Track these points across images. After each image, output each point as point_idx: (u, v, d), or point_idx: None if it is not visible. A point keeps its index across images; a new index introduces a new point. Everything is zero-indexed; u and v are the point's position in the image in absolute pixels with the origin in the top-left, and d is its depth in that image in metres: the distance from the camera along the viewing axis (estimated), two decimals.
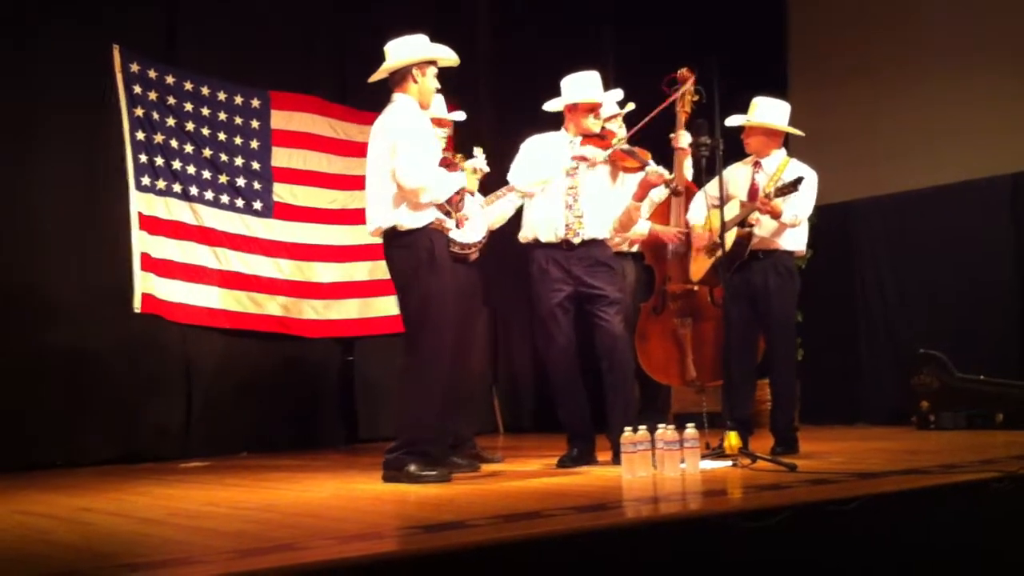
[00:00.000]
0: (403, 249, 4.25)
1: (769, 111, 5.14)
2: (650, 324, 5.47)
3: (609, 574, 2.77)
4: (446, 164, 4.46)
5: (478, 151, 4.61)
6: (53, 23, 5.86)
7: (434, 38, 4.46)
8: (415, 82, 4.32)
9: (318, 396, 6.77)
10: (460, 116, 5.34)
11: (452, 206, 4.34)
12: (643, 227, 5.28)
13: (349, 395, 6.86)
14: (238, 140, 6.52)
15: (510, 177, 4.90)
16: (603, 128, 4.90)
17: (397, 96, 4.36)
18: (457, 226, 4.50)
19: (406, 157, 4.17)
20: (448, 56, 4.42)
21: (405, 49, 4.33)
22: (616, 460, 4.36)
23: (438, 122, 4.94)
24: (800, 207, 5.03)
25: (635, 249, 5.43)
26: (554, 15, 7.54)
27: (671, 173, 4.96)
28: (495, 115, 7.29)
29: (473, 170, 4.50)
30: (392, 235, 4.27)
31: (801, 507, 3.20)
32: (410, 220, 4.22)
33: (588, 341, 4.79)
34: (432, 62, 4.37)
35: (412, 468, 4.16)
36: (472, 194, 4.52)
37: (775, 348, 5.14)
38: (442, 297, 4.25)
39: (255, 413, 6.43)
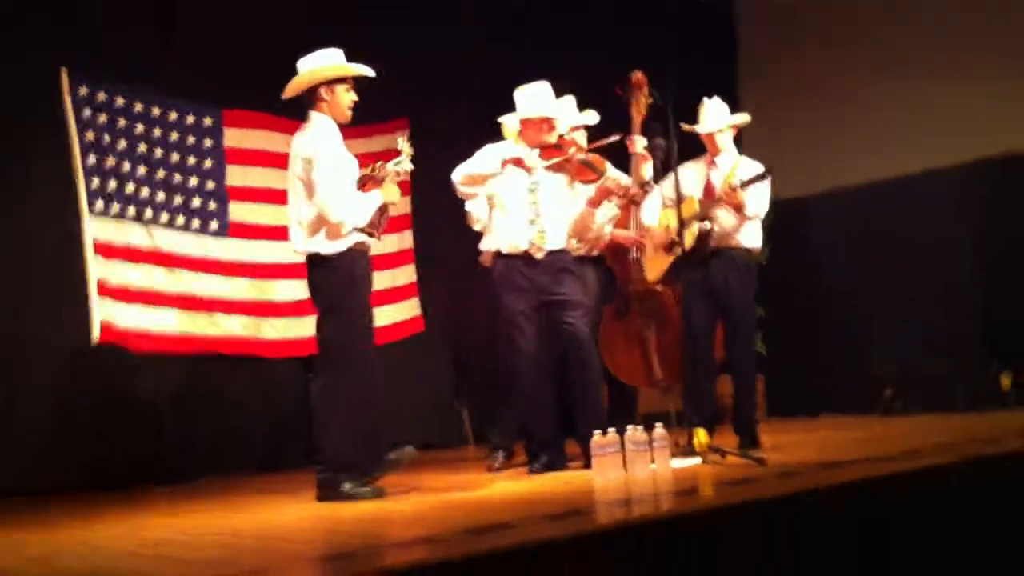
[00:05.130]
0: (325, 271, 4.26)
1: (710, 116, 5.20)
2: (614, 327, 5.49)
3: None
4: (368, 179, 4.34)
5: (403, 144, 4.42)
6: None
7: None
8: (325, 100, 4.28)
9: (280, 416, 6.70)
10: (593, 118, 5.23)
11: (373, 226, 4.30)
12: (603, 233, 5.30)
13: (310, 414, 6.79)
14: (191, 160, 6.45)
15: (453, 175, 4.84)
16: (561, 137, 4.89)
17: (311, 115, 4.32)
18: (377, 239, 4.45)
19: (322, 190, 4.16)
20: (360, 70, 4.33)
21: (310, 66, 4.29)
22: (587, 464, 4.37)
23: (574, 128, 4.97)
24: (758, 202, 5.09)
25: (595, 254, 5.45)
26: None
27: (630, 178, 4.99)
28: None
29: (396, 174, 4.36)
30: (314, 259, 4.29)
31: (772, 501, 3.23)
32: (330, 247, 4.23)
33: (552, 348, 4.80)
34: (341, 79, 4.29)
35: (346, 487, 4.15)
36: (395, 204, 4.41)
37: (735, 344, 5.19)
38: (364, 316, 4.31)
39: (218, 436, 6.36)
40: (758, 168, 5.10)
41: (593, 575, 2.77)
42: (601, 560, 2.80)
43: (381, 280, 6.03)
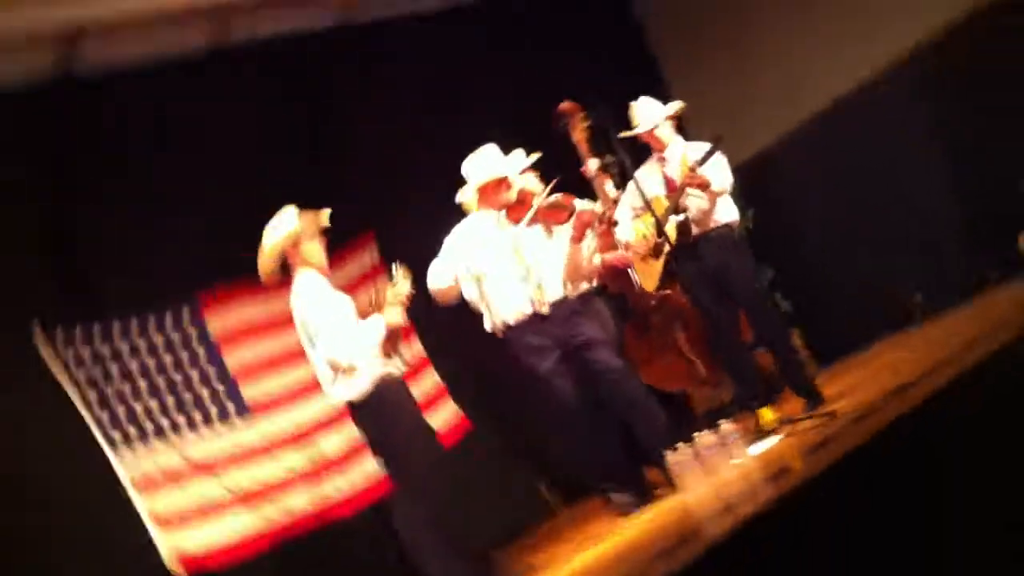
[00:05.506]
0: (362, 413, 4.37)
1: (643, 115, 5.26)
2: (641, 344, 5.49)
3: None
4: (371, 309, 4.44)
5: (397, 271, 4.53)
6: None
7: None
8: (298, 257, 4.40)
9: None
10: (533, 156, 5.17)
11: (392, 348, 4.39)
12: (594, 264, 5.32)
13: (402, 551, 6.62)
14: (184, 355, 6.39)
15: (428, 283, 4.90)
16: (520, 192, 4.93)
17: (294, 274, 4.45)
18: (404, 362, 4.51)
19: (323, 342, 4.29)
20: (320, 219, 4.46)
21: (270, 239, 4.41)
22: (672, 484, 4.35)
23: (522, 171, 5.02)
24: (721, 174, 5.14)
25: (595, 285, 5.47)
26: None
27: (598, 202, 5.03)
28: None
29: (395, 297, 4.43)
30: (349, 405, 4.39)
31: (859, 448, 3.21)
32: (357, 390, 4.31)
33: (594, 388, 4.79)
34: (296, 241, 4.39)
35: None
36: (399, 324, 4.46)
37: (754, 318, 5.23)
38: (415, 438, 4.39)
39: None
40: (705, 146, 5.16)
41: None
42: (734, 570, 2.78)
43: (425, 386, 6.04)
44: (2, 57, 5.54)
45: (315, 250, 4.42)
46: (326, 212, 4.45)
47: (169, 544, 5.61)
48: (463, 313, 5.04)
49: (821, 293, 7.44)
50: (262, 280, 4.52)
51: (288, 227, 4.38)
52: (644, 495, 4.72)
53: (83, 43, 5.81)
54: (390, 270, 4.65)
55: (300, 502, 6.26)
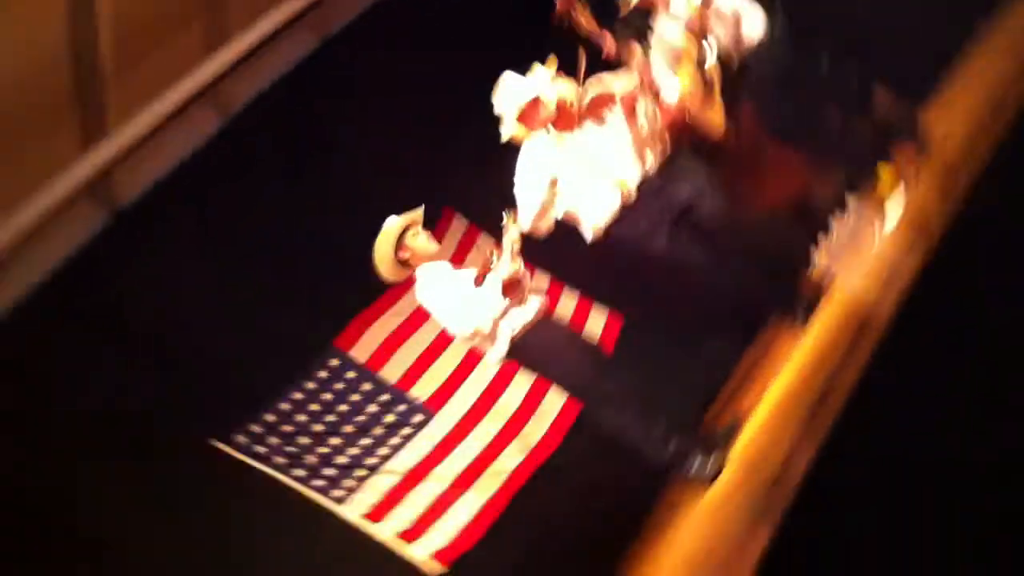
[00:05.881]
0: (524, 362, 4.78)
1: None
2: (744, 179, 5.41)
3: None
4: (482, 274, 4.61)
5: (507, 217, 4.67)
6: None
7: None
8: (410, 254, 4.66)
9: None
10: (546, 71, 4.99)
11: (520, 293, 4.56)
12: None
13: None
14: (356, 397, 6.58)
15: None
16: (558, 102, 4.85)
17: (414, 270, 4.73)
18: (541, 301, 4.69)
19: (457, 323, 4.57)
20: (409, 217, 4.70)
21: (378, 250, 4.67)
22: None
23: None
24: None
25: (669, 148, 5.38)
26: None
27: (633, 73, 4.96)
28: None
29: (509, 244, 4.63)
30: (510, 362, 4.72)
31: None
32: (504, 348, 4.54)
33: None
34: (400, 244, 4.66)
35: None
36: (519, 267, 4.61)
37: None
38: (577, 364, 4.61)
39: None
40: None
41: None
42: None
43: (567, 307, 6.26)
44: None
45: (422, 244, 4.63)
46: (419, 210, 4.69)
47: (420, 553, 5.94)
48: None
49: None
50: (389, 282, 4.72)
51: (387, 229, 4.62)
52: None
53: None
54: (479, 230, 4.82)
55: (512, 460, 6.51)
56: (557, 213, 5.16)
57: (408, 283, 4.88)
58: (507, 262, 4.58)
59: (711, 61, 5.04)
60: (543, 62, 5.10)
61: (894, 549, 2.83)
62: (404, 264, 4.70)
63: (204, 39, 6.09)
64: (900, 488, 2.91)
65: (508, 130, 5.05)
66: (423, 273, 4.66)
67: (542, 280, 6.59)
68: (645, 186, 4.83)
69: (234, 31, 6.19)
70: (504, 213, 4.67)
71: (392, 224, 4.65)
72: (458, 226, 6.54)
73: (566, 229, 5.54)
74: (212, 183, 6.13)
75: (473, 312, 4.47)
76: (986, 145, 3.37)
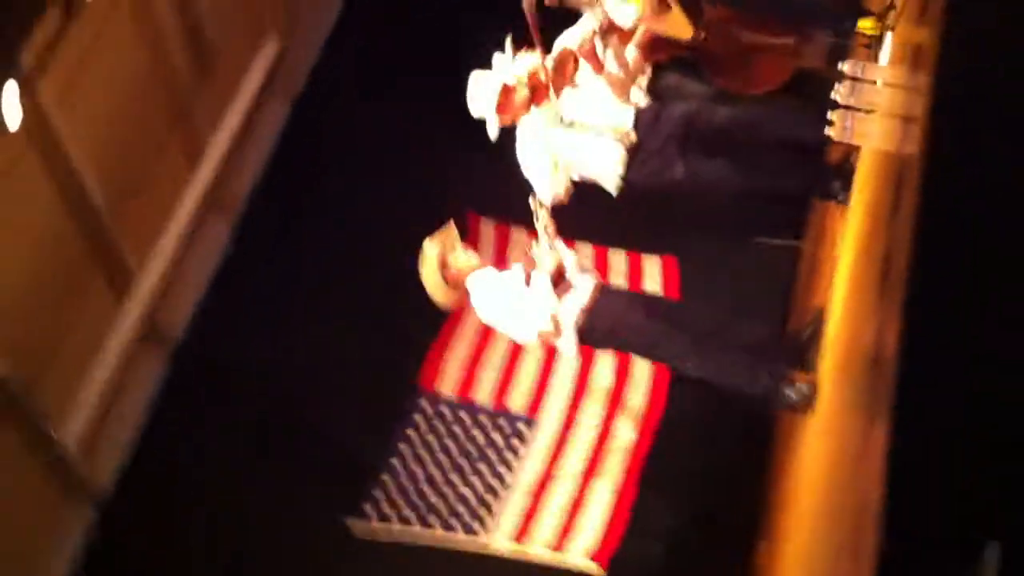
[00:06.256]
0: (597, 343, 4.79)
1: None
2: (732, 74, 5.30)
3: None
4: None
5: (535, 205, 4.66)
6: None
7: None
8: (455, 271, 4.62)
9: None
10: (506, 56, 4.86)
11: (564, 279, 4.52)
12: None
13: None
14: (457, 429, 6.63)
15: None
16: (529, 79, 4.78)
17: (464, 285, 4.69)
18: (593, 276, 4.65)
19: (517, 329, 4.61)
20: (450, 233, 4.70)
21: (424, 276, 4.64)
22: None
23: None
24: None
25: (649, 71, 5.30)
26: None
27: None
28: None
29: (544, 231, 4.58)
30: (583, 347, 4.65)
31: None
32: (574, 339, 4.49)
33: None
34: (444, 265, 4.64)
35: None
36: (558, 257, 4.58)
37: None
38: (647, 328, 4.50)
39: None
40: None
41: None
42: None
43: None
44: None
45: (463, 258, 4.60)
46: (451, 227, 4.67)
47: (577, 558, 5.95)
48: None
49: None
50: (448, 308, 4.75)
51: (428, 256, 4.60)
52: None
53: None
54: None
55: (626, 436, 6.48)
56: (573, 175, 5.12)
57: (463, 303, 4.86)
58: (547, 250, 4.55)
59: None
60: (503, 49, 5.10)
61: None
62: (455, 284, 4.66)
63: (185, 154, 6.17)
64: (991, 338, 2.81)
65: (493, 127, 5.03)
66: (474, 288, 4.61)
67: (585, 251, 6.53)
68: (641, 121, 4.76)
69: (208, 136, 6.27)
70: (530, 200, 4.63)
71: (431, 250, 4.62)
72: (487, 228, 6.54)
73: (589, 191, 5.52)
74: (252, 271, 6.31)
75: (531, 314, 4.44)
76: None
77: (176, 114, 6.01)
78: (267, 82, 6.71)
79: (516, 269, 4.64)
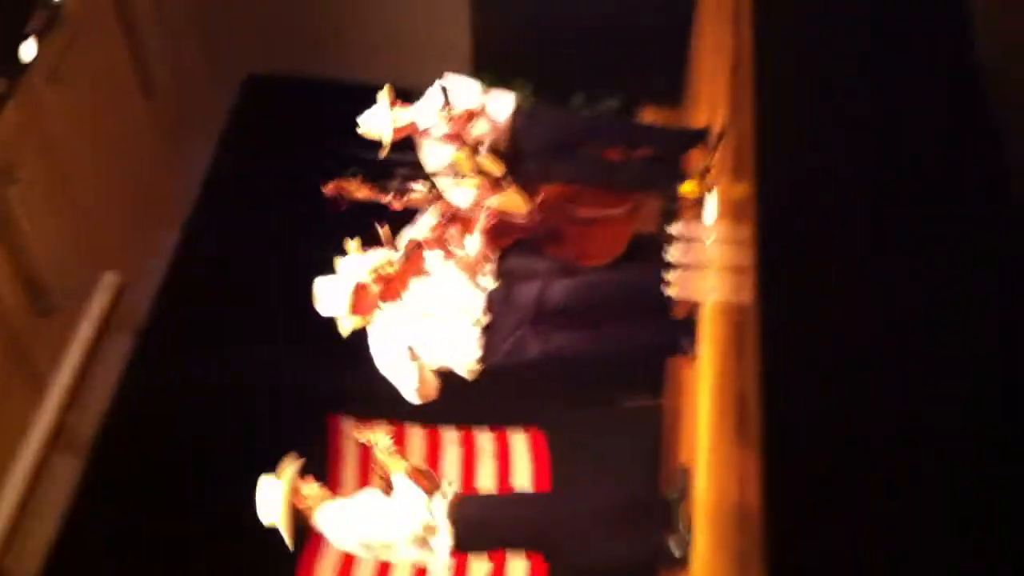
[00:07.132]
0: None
1: (375, 126, 5.22)
2: (570, 248, 5.51)
3: None
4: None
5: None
6: None
7: None
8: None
9: None
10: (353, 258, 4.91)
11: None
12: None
13: None
14: None
15: None
16: (378, 276, 4.84)
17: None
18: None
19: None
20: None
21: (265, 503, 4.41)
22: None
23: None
24: (466, 94, 5.19)
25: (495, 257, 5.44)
26: None
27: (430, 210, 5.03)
28: None
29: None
30: None
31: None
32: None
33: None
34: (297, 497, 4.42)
35: None
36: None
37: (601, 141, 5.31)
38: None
39: None
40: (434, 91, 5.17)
41: None
42: None
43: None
44: None
45: (315, 488, 4.39)
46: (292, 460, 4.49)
47: None
48: None
49: None
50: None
51: (281, 493, 4.37)
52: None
53: None
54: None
55: None
56: (432, 366, 5.11)
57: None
58: (393, 463, 4.41)
59: (483, 153, 5.13)
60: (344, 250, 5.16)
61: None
62: (306, 510, 4.37)
63: (26, 394, 5.92)
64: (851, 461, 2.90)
65: (347, 327, 5.01)
66: (325, 525, 4.34)
67: (450, 435, 6.44)
68: (493, 303, 4.84)
69: (49, 374, 6.04)
70: (356, 433, 4.55)
71: (280, 487, 4.31)
72: (348, 429, 6.43)
73: (446, 378, 5.51)
74: None
75: (397, 526, 4.26)
76: (749, 107, 3.50)
77: (15, 355, 5.81)
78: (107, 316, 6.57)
79: (371, 490, 4.49)
